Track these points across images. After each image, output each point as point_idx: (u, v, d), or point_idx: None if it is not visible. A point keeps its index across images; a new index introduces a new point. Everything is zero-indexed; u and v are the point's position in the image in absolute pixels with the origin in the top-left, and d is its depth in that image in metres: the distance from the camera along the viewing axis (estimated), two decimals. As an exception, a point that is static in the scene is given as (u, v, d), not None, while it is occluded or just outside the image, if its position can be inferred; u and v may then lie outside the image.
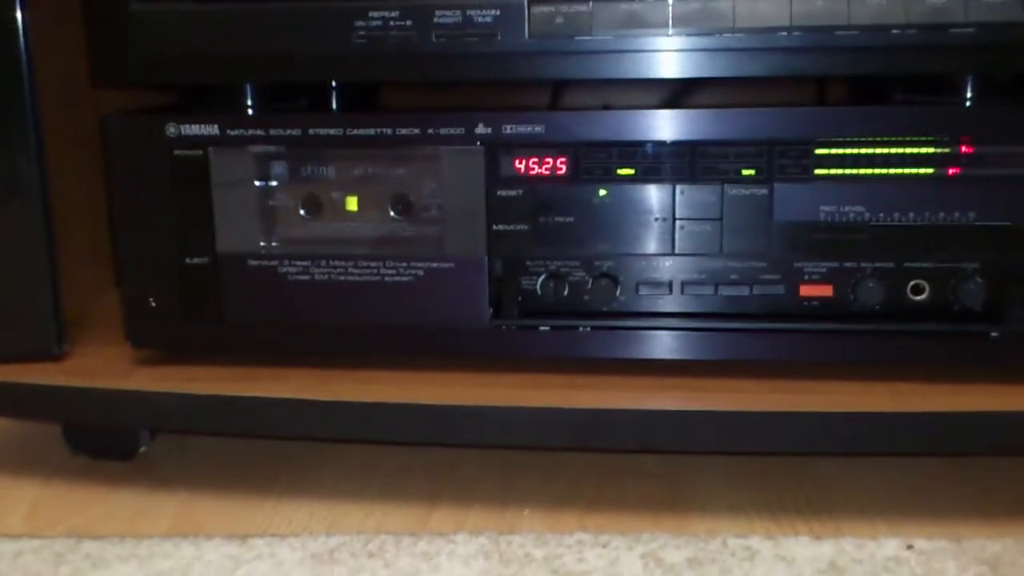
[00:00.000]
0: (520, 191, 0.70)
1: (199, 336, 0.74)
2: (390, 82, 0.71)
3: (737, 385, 0.69)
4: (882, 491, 0.73)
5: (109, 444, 0.81)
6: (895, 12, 0.64)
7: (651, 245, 0.69)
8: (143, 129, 0.72)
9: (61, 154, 0.80)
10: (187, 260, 0.73)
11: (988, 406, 0.64)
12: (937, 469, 0.75)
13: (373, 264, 0.72)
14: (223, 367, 0.74)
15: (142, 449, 0.81)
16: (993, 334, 0.67)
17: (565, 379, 0.71)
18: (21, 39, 0.71)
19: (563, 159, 0.69)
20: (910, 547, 0.64)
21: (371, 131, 0.70)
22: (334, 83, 0.77)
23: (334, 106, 0.78)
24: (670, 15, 0.65)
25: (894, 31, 0.64)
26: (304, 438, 0.77)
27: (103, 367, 0.76)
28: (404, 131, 0.70)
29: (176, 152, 0.72)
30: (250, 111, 0.76)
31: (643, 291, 0.70)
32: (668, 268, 0.70)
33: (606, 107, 0.76)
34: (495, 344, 0.71)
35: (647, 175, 0.68)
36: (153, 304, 0.74)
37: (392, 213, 0.71)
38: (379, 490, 0.75)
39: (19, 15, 0.71)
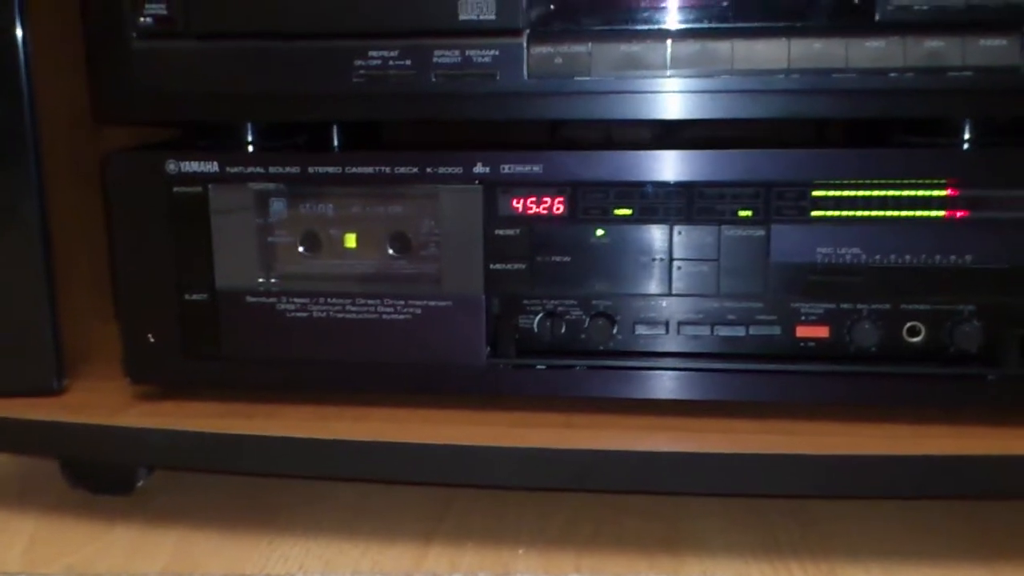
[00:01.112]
0: (518, 230, 0.70)
1: (197, 372, 0.74)
2: (390, 121, 0.71)
3: (733, 426, 0.69)
4: (877, 532, 0.73)
5: (107, 479, 0.81)
6: (894, 55, 0.64)
7: (648, 285, 0.69)
8: (143, 166, 0.72)
9: (62, 184, 0.81)
10: (186, 296, 0.73)
11: (983, 449, 0.64)
12: (932, 510, 0.75)
13: (371, 302, 0.72)
14: (221, 403, 0.74)
15: (140, 484, 0.81)
16: (989, 377, 0.67)
17: (562, 418, 0.71)
18: (22, 62, 0.71)
19: (561, 199, 0.69)
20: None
21: (370, 169, 0.70)
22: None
23: (335, 142, 0.79)
24: (668, 57, 0.66)
25: (891, 74, 0.64)
26: (299, 477, 0.77)
27: (102, 402, 0.76)
28: (402, 170, 0.70)
29: (176, 189, 0.72)
30: (251, 147, 0.76)
31: (640, 331, 0.70)
32: (665, 308, 0.70)
33: (608, 138, 0.76)
34: (492, 382, 0.71)
35: (644, 215, 0.68)
36: (152, 340, 0.74)
37: (390, 251, 0.71)
38: (374, 528, 0.75)
39: (19, 33, 0.71)
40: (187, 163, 0.72)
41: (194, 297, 0.73)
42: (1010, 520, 0.74)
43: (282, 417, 0.72)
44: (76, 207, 0.86)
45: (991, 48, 0.63)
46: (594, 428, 0.69)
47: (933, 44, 0.63)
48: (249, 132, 0.76)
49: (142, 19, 0.70)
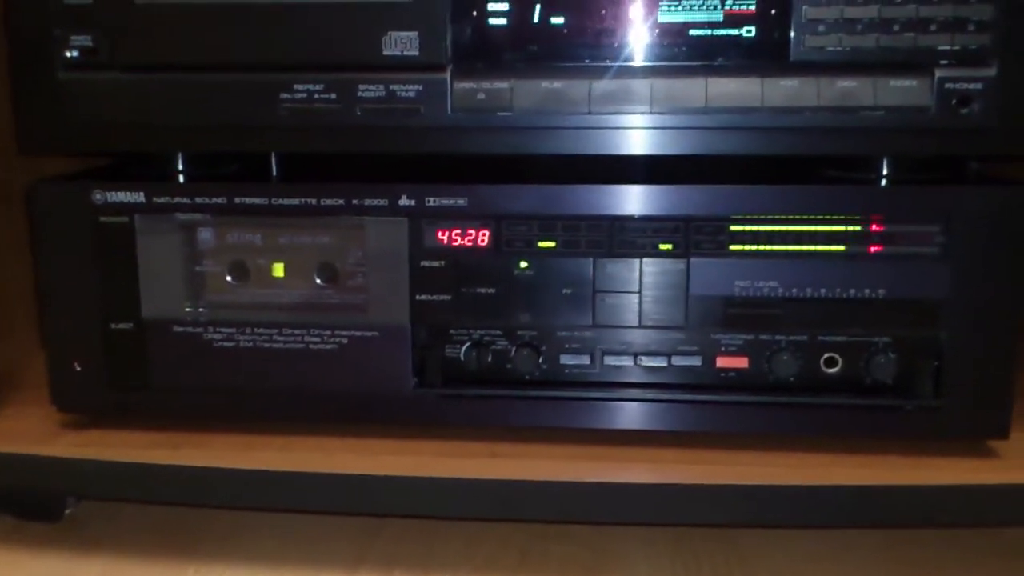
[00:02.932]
0: (443, 262, 0.70)
1: (124, 401, 0.74)
2: (316, 153, 0.72)
3: (656, 455, 0.70)
4: (800, 558, 0.74)
5: (36, 506, 0.81)
6: (808, 94, 0.65)
7: (572, 316, 0.70)
8: (69, 196, 0.72)
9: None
10: (112, 325, 0.73)
11: (898, 479, 0.66)
12: (856, 536, 0.77)
13: (298, 331, 0.72)
14: (148, 432, 0.74)
15: (68, 511, 0.81)
16: (904, 407, 0.68)
17: (486, 447, 0.71)
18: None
19: (485, 231, 0.70)
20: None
21: (296, 201, 0.71)
22: (264, 149, 0.78)
23: (266, 169, 0.79)
24: (589, 95, 0.66)
25: (806, 113, 0.65)
26: (226, 507, 0.77)
27: (29, 430, 0.76)
28: (329, 201, 0.70)
29: (102, 219, 0.72)
30: (181, 175, 0.76)
31: (564, 361, 0.71)
32: (588, 339, 0.70)
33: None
34: (419, 412, 0.72)
35: (567, 248, 0.69)
36: (78, 368, 0.74)
37: (317, 281, 0.72)
38: (302, 555, 0.75)
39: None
40: (113, 193, 0.72)
41: (120, 326, 0.73)
42: (934, 544, 0.75)
43: (209, 447, 0.72)
44: (3, 233, 0.85)
45: (902, 88, 0.64)
46: (518, 458, 0.70)
47: (846, 84, 0.64)
48: (179, 160, 0.76)
49: (68, 51, 0.70)
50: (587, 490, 0.67)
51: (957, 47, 0.64)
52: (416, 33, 0.67)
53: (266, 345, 0.72)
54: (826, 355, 0.69)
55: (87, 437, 0.74)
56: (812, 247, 0.67)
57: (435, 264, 0.70)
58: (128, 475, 0.71)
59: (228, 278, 0.73)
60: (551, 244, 0.69)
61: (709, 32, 0.66)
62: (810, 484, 0.66)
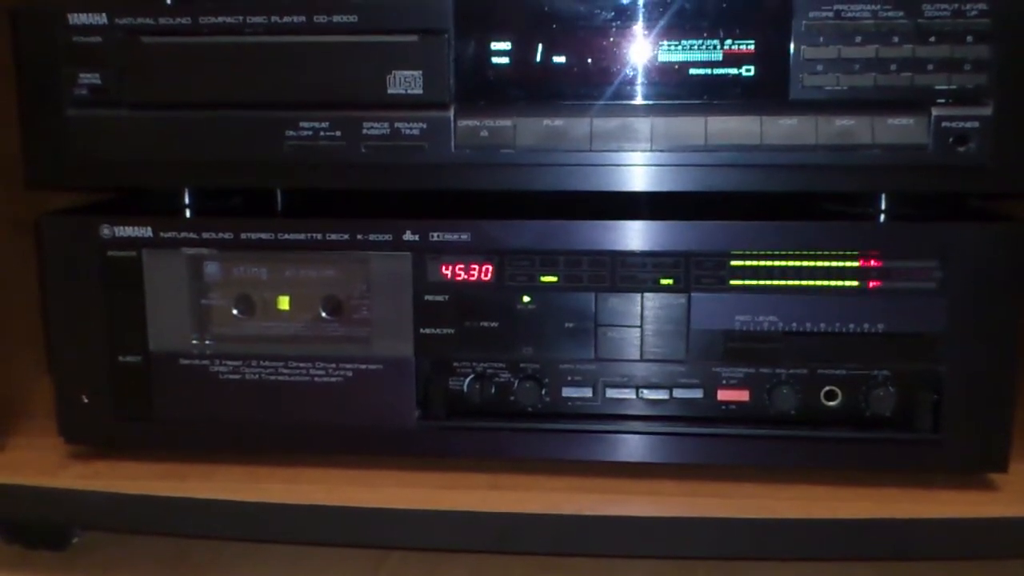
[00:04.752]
0: (447, 296, 0.71)
1: (131, 433, 0.75)
2: (321, 190, 0.73)
3: (657, 487, 0.70)
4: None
5: (43, 535, 0.82)
6: (806, 133, 0.66)
7: (574, 349, 0.71)
8: (77, 230, 0.73)
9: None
10: (119, 358, 0.74)
11: (897, 513, 0.66)
12: (857, 568, 0.77)
13: (303, 364, 0.73)
14: (155, 463, 0.75)
15: (75, 540, 0.82)
16: (903, 440, 0.69)
17: (489, 479, 0.72)
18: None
19: (488, 266, 0.70)
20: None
21: (302, 236, 0.72)
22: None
23: (273, 202, 0.80)
24: (590, 132, 0.67)
25: (804, 151, 0.66)
26: (231, 539, 0.78)
27: (36, 461, 0.76)
28: (334, 236, 0.71)
29: (110, 253, 0.73)
30: (188, 209, 0.77)
31: (567, 393, 0.72)
32: (591, 372, 0.71)
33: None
34: (422, 444, 0.73)
35: (569, 283, 0.70)
36: (85, 401, 0.75)
37: (322, 315, 0.73)
38: (308, 585, 0.76)
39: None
40: (121, 228, 0.73)
41: (127, 359, 0.74)
42: (920, 571, 0.76)
43: (215, 478, 0.73)
44: (10, 258, 0.86)
45: (899, 127, 0.65)
46: (521, 490, 0.71)
47: (844, 122, 0.65)
48: (186, 194, 0.77)
49: (76, 88, 0.71)
50: (589, 524, 0.68)
51: (954, 86, 0.64)
52: (420, 72, 0.68)
53: (271, 378, 0.73)
54: (826, 388, 0.70)
55: (94, 468, 0.75)
56: (811, 282, 0.68)
57: (439, 298, 0.71)
58: (135, 507, 0.71)
59: (234, 311, 0.73)
60: (553, 279, 0.70)
61: (709, 71, 0.66)
62: (811, 518, 0.67)
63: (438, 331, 0.72)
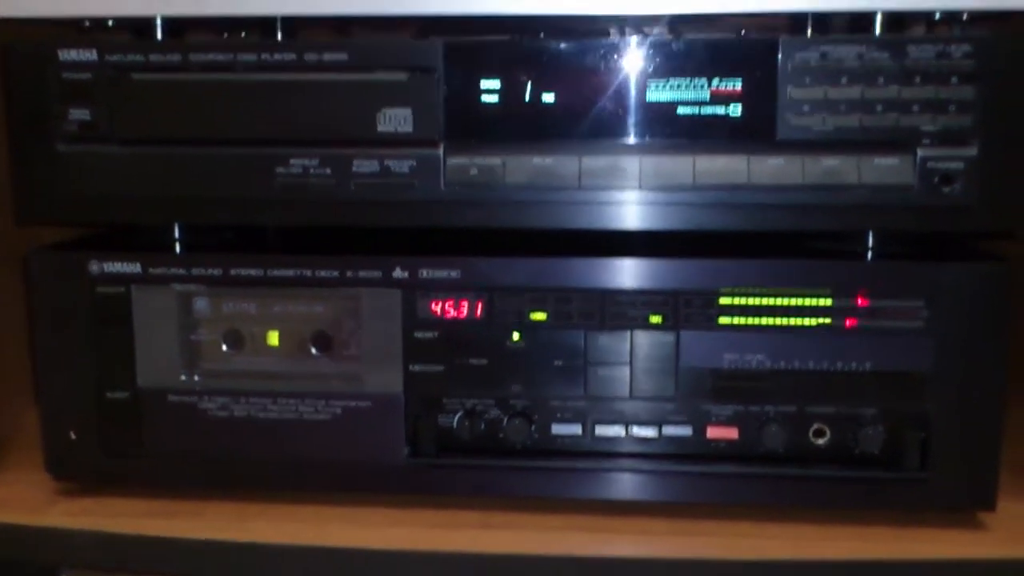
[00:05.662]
0: (436, 333, 0.71)
1: (119, 470, 0.75)
2: (310, 226, 0.73)
3: (647, 526, 0.70)
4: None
5: (30, 573, 0.81)
6: (793, 172, 0.66)
7: (564, 387, 0.71)
8: (66, 266, 0.73)
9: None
10: (107, 394, 0.74)
11: (886, 553, 0.66)
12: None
13: (292, 401, 0.73)
14: (143, 500, 0.75)
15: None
16: (891, 479, 0.69)
17: (479, 517, 0.72)
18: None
19: (478, 303, 0.71)
20: None
21: (291, 272, 0.72)
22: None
23: (263, 236, 0.80)
24: (579, 171, 0.68)
25: (791, 190, 0.66)
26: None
27: (23, 497, 0.76)
28: (323, 273, 0.71)
29: (99, 289, 0.73)
30: (178, 242, 0.77)
31: (556, 431, 0.72)
32: (580, 409, 0.71)
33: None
34: (412, 481, 0.73)
35: (558, 320, 0.70)
36: (73, 437, 0.74)
37: (312, 351, 0.73)
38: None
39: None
40: (110, 264, 0.73)
41: (116, 395, 0.74)
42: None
43: (203, 516, 0.73)
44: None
45: (885, 167, 0.66)
46: (511, 528, 0.70)
47: (830, 162, 0.66)
48: (176, 228, 0.77)
49: (67, 124, 0.71)
50: (578, 564, 0.68)
51: (939, 127, 0.65)
52: (410, 110, 0.68)
53: (260, 415, 0.73)
54: (815, 426, 0.70)
55: (81, 505, 0.75)
56: (799, 320, 0.68)
57: (428, 335, 0.71)
58: (123, 547, 0.71)
59: (223, 348, 0.73)
60: (543, 316, 0.70)
61: (696, 111, 0.67)
62: (801, 559, 0.66)
63: (427, 368, 0.72)
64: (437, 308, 0.71)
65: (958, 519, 0.70)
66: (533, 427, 0.72)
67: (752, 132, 0.67)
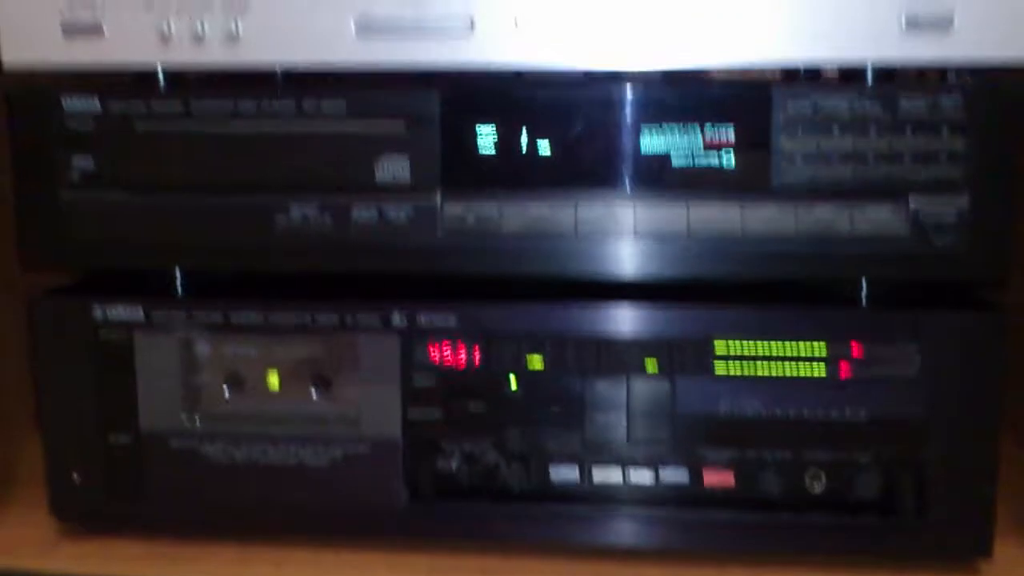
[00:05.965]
0: (434, 378, 0.72)
1: (122, 513, 0.75)
2: (309, 272, 0.73)
3: (644, 573, 0.71)
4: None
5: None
6: (786, 222, 0.67)
7: (560, 432, 0.71)
8: (69, 311, 0.74)
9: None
10: (110, 438, 0.75)
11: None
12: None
13: (291, 446, 0.73)
14: (146, 542, 0.75)
15: (65, 618, 0.82)
16: (886, 525, 0.69)
17: (478, 562, 0.72)
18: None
19: (475, 349, 0.71)
20: None
21: (291, 318, 0.72)
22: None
23: (265, 277, 0.80)
24: (575, 219, 0.68)
25: (784, 240, 0.67)
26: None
27: (27, 539, 0.77)
28: (323, 319, 0.72)
29: (101, 334, 0.74)
30: (180, 286, 0.77)
31: (553, 476, 0.72)
32: (577, 454, 0.72)
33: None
34: (411, 526, 0.73)
35: (555, 366, 0.71)
36: (77, 479, 0.75)
37: (312, 396, 0.73)
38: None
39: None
40: (113, 309, 0.74)
41: (118, 439, 0.75)
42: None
43: (205, 561, 0.73)
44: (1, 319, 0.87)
45: (877, 217, 0.66)
46: (508, 573, 0.71)
47: (823, 213, 0.66)
48: (177, 272, 0.78)
49: (70, 171, 0.72)
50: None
51: (930, 177, 0.65)
52: (408, 158, 0.69)
53: (260, 459, 0.74)
54: (810, 473, 0.70)
55: (86, 548, 0.75)
56: (794, 367, 0.69)
57: (426, 380, 0.72)
58: (123, 591, 0.72)
59: (224, 392, 0.74)
60: (539, 362, 0.71)
61: (690, 161, 0.67)
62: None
63: (426, 413, 0.72)
64: (435, 354, 0.72)
65: (956, 566, 0.70)
66: (530, 472, 0.72)
67: (746, 182, 0.67)
